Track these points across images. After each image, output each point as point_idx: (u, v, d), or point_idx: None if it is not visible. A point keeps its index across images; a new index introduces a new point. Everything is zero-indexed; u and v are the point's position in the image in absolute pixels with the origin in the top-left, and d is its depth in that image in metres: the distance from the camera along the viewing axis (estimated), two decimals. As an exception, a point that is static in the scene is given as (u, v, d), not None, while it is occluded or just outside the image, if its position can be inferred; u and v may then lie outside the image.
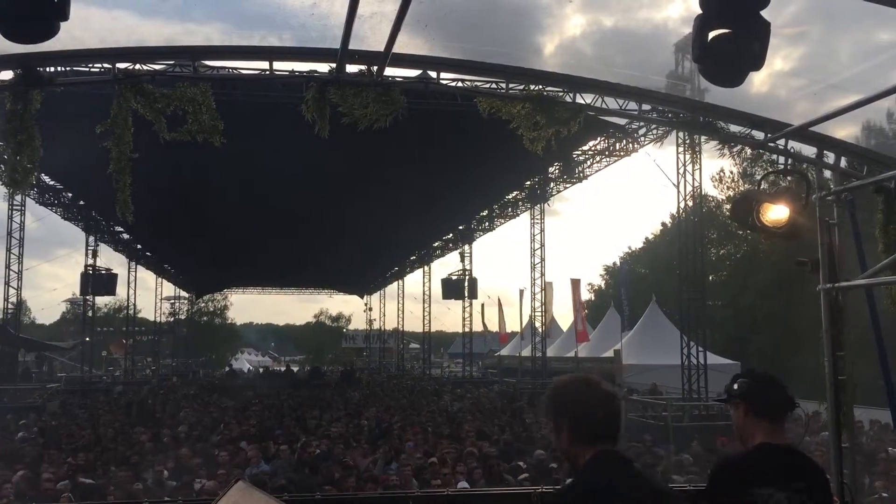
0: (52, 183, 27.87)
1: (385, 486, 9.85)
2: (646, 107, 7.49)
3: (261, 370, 57.51)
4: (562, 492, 2.62)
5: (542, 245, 31.60)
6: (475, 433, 15.52)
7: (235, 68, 7.56)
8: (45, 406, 23.70)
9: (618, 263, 58.63)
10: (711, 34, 3.98)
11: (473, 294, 37.13)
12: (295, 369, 51.65)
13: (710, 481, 3.28)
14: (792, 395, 3.31)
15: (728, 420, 3.54)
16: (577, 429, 2.48)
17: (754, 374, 3.52)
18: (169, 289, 52.75)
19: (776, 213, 5.80)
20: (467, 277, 35.90)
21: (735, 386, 3.39)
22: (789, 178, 6.33)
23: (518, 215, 32.74)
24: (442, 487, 8.68)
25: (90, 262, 31.77)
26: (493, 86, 7.09)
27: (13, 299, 29.17)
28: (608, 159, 24.66)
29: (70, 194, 29.66)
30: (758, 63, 4.05)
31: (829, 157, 6.36)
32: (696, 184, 21.95)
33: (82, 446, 14.23)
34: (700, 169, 21.90)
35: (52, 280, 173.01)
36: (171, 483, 10.72)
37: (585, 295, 57.22)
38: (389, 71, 6.11)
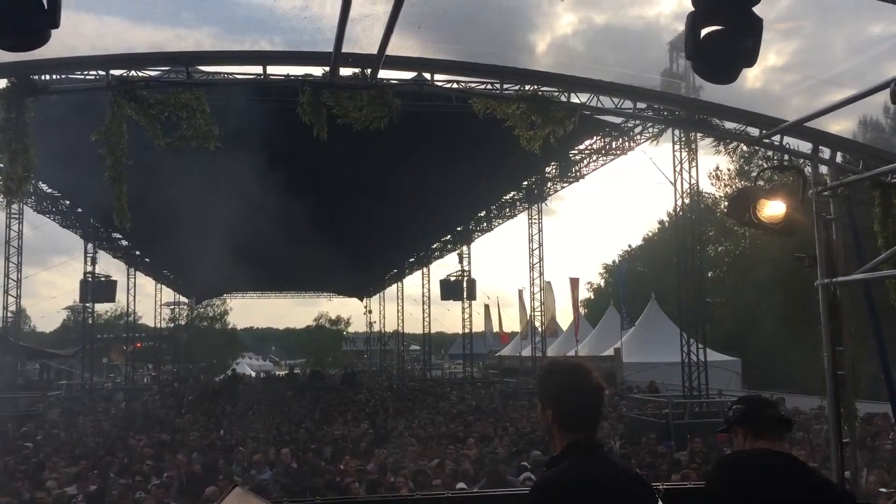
0: (49, 191, 27.84)
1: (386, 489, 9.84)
2: (641, 105, 7.50)
3: (262, 374, 57.50)
4: (536, 485, 2.67)
5: (541, 245, 31.62)
6: (478, 435, 15.53)
7: (229, 73, 7.56)
8: (46, 414, 23.67)
9: (617, 262, 58.74)
10: (704, 31, 3.98)
11: (472, 295, 37.15)
12: (297, 372, 51.69)
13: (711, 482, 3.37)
14: (788, 416, 3.43)
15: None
16: (561, 414, 2.56)
17: (747, 398, 3.68)
18: (168, 294, 52.79)
19: (773, 209, 5.81)
20: (466, 278, 35.93)
21: (731, 413, 3.50)
22: (785, 173, 6.33)
23: (516, 216, 32.73)
24: (442, 489, 8.67)
25: (89, 269, 31.77)
26: (489, 86, 7.09)
27: (13, 308, 29.14)
28: (605, 158, 24.63)
29: (68, 202, 29.63)
30: (751, 59, 4.05)
31: (825, 153, 6.36)
32: (693, 181, 21.95)
33: (83, 454, 14.22)
34: (696, 166, 21.90)
35: (50, 288, 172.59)
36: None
37: (585, 294, 57.30)
38: (384, 73, 6.12)
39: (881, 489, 8.62)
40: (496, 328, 51.40)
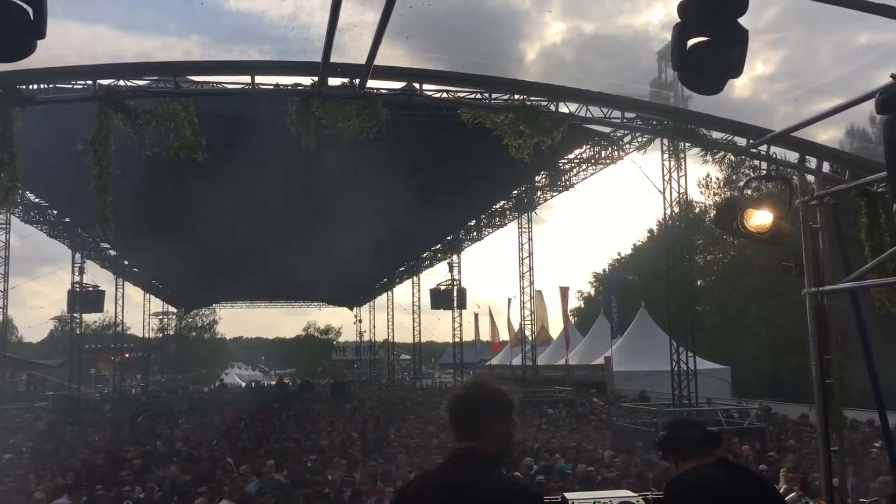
0: (36, 200, 27.70)
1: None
2: (629, 115, 7.52)
3: (252, 384, 57.23)
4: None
5: (531, 254, 31.66)
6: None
7: (218, 83, 7.54)
8: (33, 426, 23.45)
9: (607, 270, 58.82)
10: (690, 42, 3.99)
11: (462, 304, 37.14)
12: (287, 382, 51.49)
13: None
14: (713, 432, 3.46)
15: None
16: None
17: (670, 422, 3.77)
18: (157, 304, 52.51)
19: (760, 218, 5.83)
20: (456, 287, 35.91)
21: (657, 441, 3.55)
22: (772, 183, 6.35)
23: (506, 224, 32.80)
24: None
25: (77, 279, 31.59)
26: (478, 96, 7.08)
27: (-1, 318, 28.96)
28: (594, 167, 24.72)
29: (55, 211, 29.47)
30: (737, 70, 4.07)
31: (812, 162, 6.38)
32: (682, 190, 22.03)
33: (71, 465, 14.09)
34: (685, 175, 22.00)
35: (37, 298, 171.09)
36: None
37: (575, 302, 57.36)
38: (372, 83, 6.11)
39: (861, 500, 8.64)
40: (487, 337, 51.33)
